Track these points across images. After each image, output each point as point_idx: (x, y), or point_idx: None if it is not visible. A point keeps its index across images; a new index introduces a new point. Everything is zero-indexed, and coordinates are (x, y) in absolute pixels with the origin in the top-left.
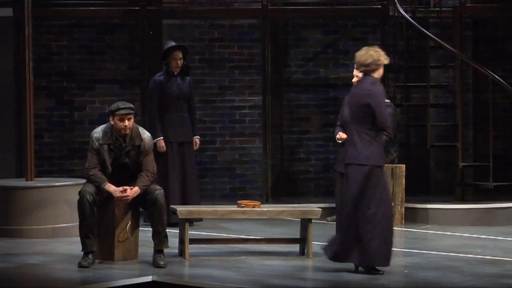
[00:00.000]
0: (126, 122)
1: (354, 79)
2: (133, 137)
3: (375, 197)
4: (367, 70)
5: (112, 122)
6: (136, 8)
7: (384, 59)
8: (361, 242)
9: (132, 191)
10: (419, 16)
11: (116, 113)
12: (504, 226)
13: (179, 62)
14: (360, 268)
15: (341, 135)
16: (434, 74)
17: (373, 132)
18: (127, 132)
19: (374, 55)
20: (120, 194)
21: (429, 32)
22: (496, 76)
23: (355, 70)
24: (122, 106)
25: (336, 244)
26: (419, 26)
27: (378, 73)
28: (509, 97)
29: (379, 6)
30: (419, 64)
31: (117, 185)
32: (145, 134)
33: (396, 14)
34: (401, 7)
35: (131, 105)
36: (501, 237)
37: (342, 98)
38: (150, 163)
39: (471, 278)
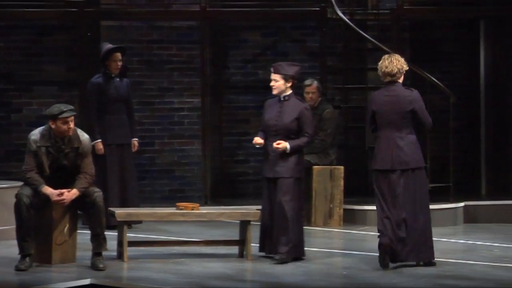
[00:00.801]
0: (70, 124)
1: (272, 83)
2: (72, 139)
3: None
4: (393, 79)
5: (53, 126)
6: (74, 9)
7: (406, 66)
8: (426, 238)
9: (70, 194)
10: (357, 18)
11: (60, 116)
12: (441, 227)
13: (119, 63)
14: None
15: (257, 140)
16: (372, 76)
17: (413, 136)
18: (70, 133)
19: (398, 64)
20: (57, 198)
21: (367, 34)
22: (433, 78)
23: (272, 74)
24: (65, 109)
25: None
26: (357, 28)
27: (401, 80)
28: (446, 99)
29: (317, 8)
30: (358, 66)
31: (55, 188)
32: (84, 136)
33: (334, 16)
34: (339, 9)
35: (72, 107)
36: (437, 238)
37: None
38: (89, 165)
39: (409, 279)
